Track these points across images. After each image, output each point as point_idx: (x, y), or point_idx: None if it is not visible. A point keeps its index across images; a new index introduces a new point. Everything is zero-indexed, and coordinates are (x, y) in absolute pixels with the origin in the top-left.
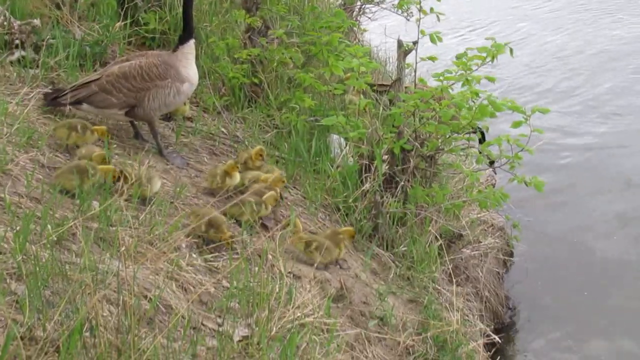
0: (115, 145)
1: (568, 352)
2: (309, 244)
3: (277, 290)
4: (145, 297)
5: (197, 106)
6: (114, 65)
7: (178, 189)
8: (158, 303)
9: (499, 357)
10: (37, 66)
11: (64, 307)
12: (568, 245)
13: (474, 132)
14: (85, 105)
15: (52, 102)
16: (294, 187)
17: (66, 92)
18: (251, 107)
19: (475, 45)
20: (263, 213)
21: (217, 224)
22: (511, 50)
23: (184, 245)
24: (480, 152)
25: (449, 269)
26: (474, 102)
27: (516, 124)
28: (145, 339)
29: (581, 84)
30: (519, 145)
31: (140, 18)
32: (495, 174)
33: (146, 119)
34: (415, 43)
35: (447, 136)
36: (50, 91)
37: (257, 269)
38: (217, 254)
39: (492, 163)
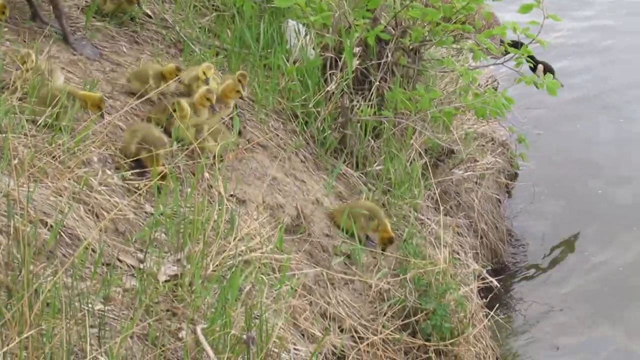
0: (5, 29)
1: (584, 299)
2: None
3: (216, 217)
4: (44, 223)
5: None
6: None
7: (88, 87)
8: (60, 231)
9: (497, 305)
10: None
11: None
12: (587, 166)
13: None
14: None
15: None
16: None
17: None
18: None
19: None
20: (196, 120)
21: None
22: None
23: (95, 159)
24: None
25: (435, 194)
26: None
27: (525, 8)
28: (43, 277)
29: None
30: (529, 35)
31: None
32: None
33: None
34: None
35: (437, 24)
36: None
37: (189, 190)
38: (139, 170)
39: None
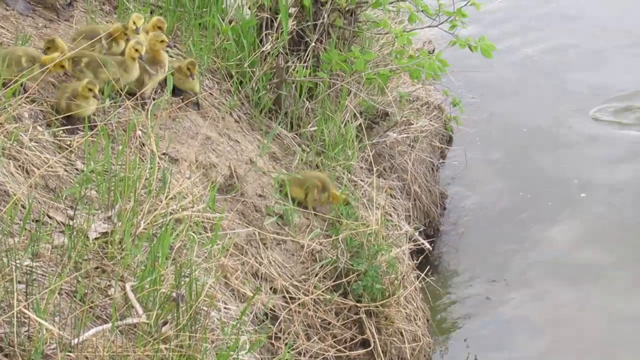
0: None
1: (515, 264)
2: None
3: (148, 175)
4: None
5: None
6: None
7: (20, 42)
8: None
9: (427, 268)
10: None
11: None
12: (522, 129)
13: None
14: None
15: None
16: (175, 46)
17: None
18: None
19: None
20: (126, 79)
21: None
22: None
23: (26, 115)
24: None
25: (369, 156)
26: None
27: None
28: None
29: None
30: None
31: None
32: None
33: None
34: None
35: None
36: None
37: (121, 147)
38: (70, 127)
39: None
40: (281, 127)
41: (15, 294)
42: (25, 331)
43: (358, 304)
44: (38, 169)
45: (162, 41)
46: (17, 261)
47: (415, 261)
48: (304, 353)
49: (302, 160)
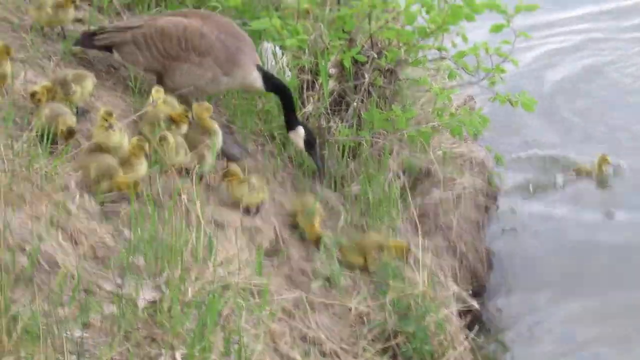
0: None
1: (563, 322)
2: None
3: (194, 242)
4: (22, 250)
5: (90, 5)
6: (167, 16)
7: None
8: (39, 257)
9: (476, 327)
10: None
11: None
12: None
13: None
14: (115, 54)
15: (84, 42)
16: (217, 110)
17: (105, 32)
18: (160, 6)
19: None
20: None
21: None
22: None
23: (73, 184)
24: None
25: (413, 215)
26: (446, 1)
27: (496, 28)
28: (20, 303)
29: None
30: (501, 55)
31: None
32: None
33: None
34: None
35: (412, 44)
36: (91, 31)
37: (167, 214)
38: (116, 193)
39: None
40: (325, 187)
41: None
42: None
43: None
44: (85, 238)
45: (207, 109)
46: (68, 332)
47: (464, 321)
48: None
49: (346, 221)
